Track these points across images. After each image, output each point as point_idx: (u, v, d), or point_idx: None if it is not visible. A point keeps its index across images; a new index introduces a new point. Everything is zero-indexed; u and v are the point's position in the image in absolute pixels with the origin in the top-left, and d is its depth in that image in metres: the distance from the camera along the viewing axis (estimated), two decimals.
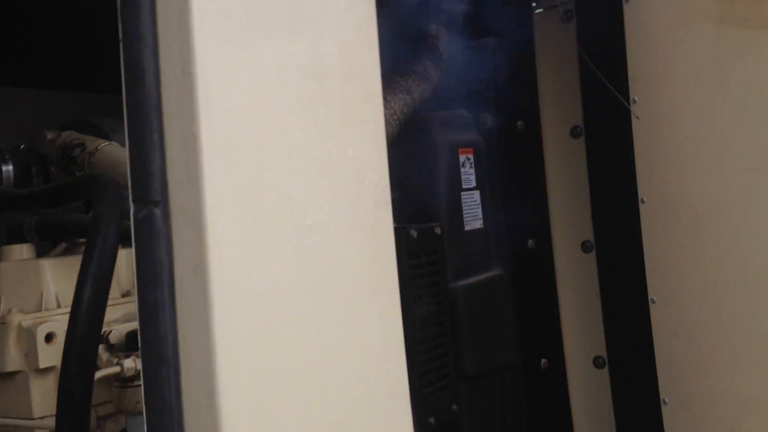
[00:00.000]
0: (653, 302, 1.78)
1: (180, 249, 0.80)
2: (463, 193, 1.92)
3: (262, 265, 0.81)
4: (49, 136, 2.00)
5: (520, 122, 2.06)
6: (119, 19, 0.79)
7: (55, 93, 2.69)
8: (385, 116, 1.77)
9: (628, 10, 1.81)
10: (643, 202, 1.79)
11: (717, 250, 1.62)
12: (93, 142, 1.90)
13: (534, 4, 2.16)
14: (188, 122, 0.77)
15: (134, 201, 0.80)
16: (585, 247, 2.09)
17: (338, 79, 0.90)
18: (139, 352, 0.85)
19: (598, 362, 2.04)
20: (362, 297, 0.91)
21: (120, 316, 1.85)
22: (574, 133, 2.11)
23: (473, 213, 1.94)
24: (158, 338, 0.82)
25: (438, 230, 1.80)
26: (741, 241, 1.58)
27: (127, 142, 0.80)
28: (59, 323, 1.67)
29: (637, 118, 1.73)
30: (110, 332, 1.72)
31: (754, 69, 1.52)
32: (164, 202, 0.80)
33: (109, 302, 1.55)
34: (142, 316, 0.83)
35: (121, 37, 0.80)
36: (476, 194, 1.96)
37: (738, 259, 1.58)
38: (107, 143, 1.90)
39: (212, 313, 0.78)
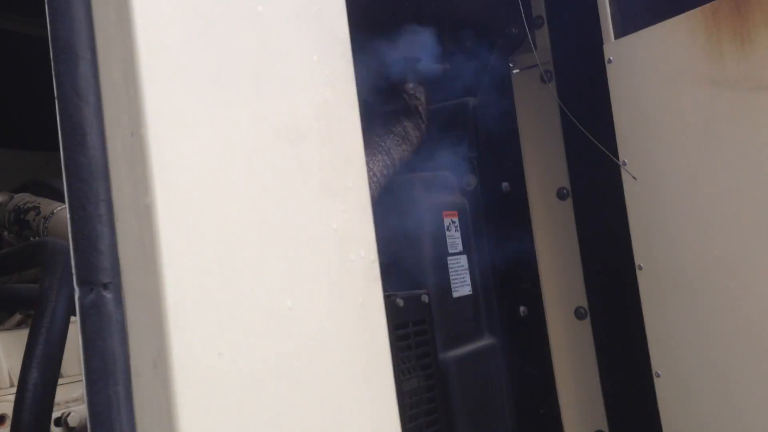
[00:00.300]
0: (658, 376, 1.66)
1: (137, 339, 0.68)
2: (449, 258, 1.82)
3: (236, 356, 0.69)
4: (1, 198, 1.86)
5: (505, 183, 1.99)
6: (53, 73, 0.69)
7: (7, 152, 2.53)
8: None
9: (611, 70, 1.76)
10: (640, 268, 1.70)
11: (723, 318, 1.52)
12: (48, 206, 1.77)
13: (511, 65, 2.13)
14: (141, 192, 0.66)
15: (80, 283, 0.68)
16: (578, 313, 1.99)
17: (315, 141, 0.80)
18: None
19: None
20: (352, 387, 0.79)
21: (81, 395, 1.69)
22: (561, 194, 2.04)
23: (461, 279, 1.84)
24: None
25: (425, 298, 1.69)
26: (745, 307, 1.49)
27: (68, 215, 0.68)
28: (11, 404, 1.51)
29: (635, 178, 1.66)
30: (69, 414, 1.56)
31: (749, 131, 1.45)
32: (116, 285, 0.68)
33: (69, 380, 1.39)
34: (93, 419, 0.70)
35: (56, 93, 0.69)
36: (463, 259, 1.86)
37: (744, 327, 1.49)
38: (64, 207, 1.77)
39: (178, 415, 0.65)
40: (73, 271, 0.68)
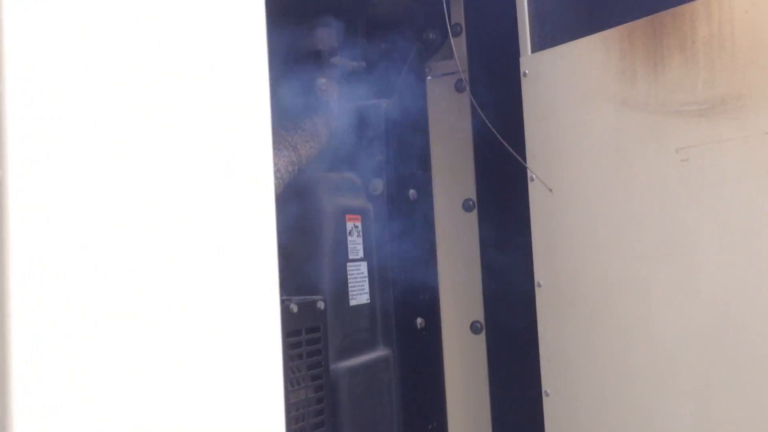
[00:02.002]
0: (547, 395, 1.65)
1: None
2: (349, 264, 1.74)
3: (89, 362, 0.58)
4: None
5: (412, 191, 1.93)
6: None
7: None
8: None
9: (526, 84, 1.75)
10: (539, 285, 1.69)
11: (616, 341, 1.53)
12: None
13: (427, 71, 2.09)
14: None
15: None
16: (474, 328, 1.97)
17: (219, 126, 0.70)
18: None
19: None
20: (235, 398, 0.69)
21: None
22: (467, 206, 2.01)
23: (359, 286, 1.76)
24: None
25: (321, 304, 1.59)
26: (639, 332, 1.50)
27: None
28: None
29: (550, 190, 1.64)
30: None
31: (655, 155, 1.46)
32: None
33: None
34: None
35: None
36: (363, 266, 1.79)
37: (636, 352, 1.50)
38: None
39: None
40: None
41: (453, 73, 2.03)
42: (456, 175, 2.02)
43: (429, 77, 2.10)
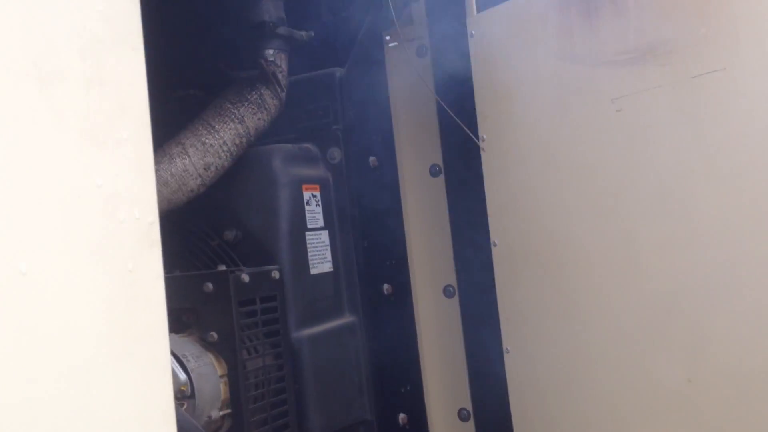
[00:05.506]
0: (507, 352, 1.67)
1: None
2: (308, 233, 1.76)
3: None
4: None
5: (372, 158, 1.94)
6: None
7: None
8: (213, 146, 1.60)
9: (472, 45, 1.74)
10: (495, 245, 1.69)
11: (570, 297, 1.53)
12: None
13: (387, 38, 2.07)
14: None
15: None
16: (447, 292, 1.97)
17: (77, 85, 0.71)
18: None
19: (463, 414, 1.90)
20: (110, 362, 0.71)
21: None
22: (433, 171, 2.01)
23: (320, 255, 1.78)
24: None
25: (275, 274, 1.62)
26: (592, 287, 1.50)
27: None
28: None
29: (483, 149, 1.63)
30: None
31: (593, 107, 1.45)
32: None
33: None
34: None
35: None
36: (324, 234, 1.80)
37: (586, 306, 1.50)
38: None
39: None
40: None
41: (413, 40, 2.03)
42: (421, 141, 2.02)
43: (392, 44, 2.09)
